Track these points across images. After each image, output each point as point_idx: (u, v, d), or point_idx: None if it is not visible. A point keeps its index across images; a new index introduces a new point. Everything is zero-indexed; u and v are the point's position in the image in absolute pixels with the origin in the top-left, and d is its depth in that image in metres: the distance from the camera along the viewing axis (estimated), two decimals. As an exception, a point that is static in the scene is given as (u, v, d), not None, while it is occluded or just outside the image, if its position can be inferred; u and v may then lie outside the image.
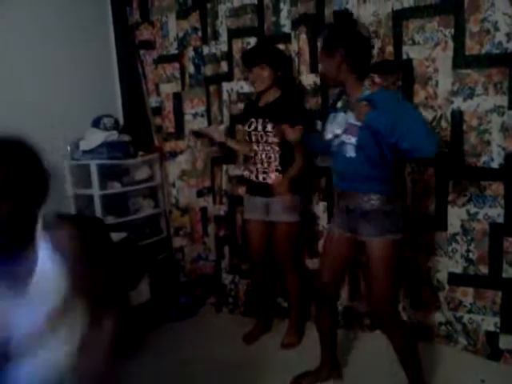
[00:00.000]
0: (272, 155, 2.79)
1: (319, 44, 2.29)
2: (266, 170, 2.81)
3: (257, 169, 2.85)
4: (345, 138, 2.12)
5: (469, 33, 2.45)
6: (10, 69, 3.07)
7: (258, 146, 2.82)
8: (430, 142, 1.94)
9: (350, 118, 2.11)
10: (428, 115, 2.62)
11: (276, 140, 2.71)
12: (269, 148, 2.78)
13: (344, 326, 3.04)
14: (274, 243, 2.92)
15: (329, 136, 2.24)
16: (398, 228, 2.12)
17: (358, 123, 2.05)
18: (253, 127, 2.83)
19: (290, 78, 2.96)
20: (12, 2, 3.07)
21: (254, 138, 2.83)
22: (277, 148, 2.76)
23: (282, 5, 3.00)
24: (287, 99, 2.79)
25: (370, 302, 2.20)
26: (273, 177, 2.79)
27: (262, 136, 2.79)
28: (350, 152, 2.12)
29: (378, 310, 2.18)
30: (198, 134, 2.99)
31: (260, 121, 2.79)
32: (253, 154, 2.86)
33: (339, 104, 2.27)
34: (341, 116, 2.19)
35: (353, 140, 2.08)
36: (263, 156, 2.81)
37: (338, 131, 2.17)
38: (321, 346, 2.54)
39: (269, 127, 2.75)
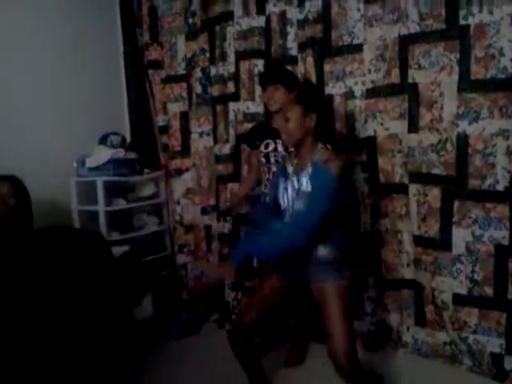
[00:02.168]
0: None
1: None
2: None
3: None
4: (299, 205, 2.11)
5: (474, 58, 2.50)
6: (20, 86, 3.13)
7: (276, 166, 2.80)
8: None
9: (303, 183, 2.12)
10: (433, 138, 2.67)
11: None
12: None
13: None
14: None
15: (284, 205, 2.22)
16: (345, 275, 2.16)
17: (309, 189, 2.08)
18: (271, 148, 2.81)
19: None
20: (21, 22, 3.14)
21: (272, 159, 2.82)
22: None
23: (289, 28, 3.06)
24: None
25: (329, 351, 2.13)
26: None
27: (276, 154, 2.80)
28: None
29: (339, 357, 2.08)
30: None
31: (279, 141, 2.75)
32: (269, 176, 2.83)
33: (289, 169, 2.24)
34: (292, 182, 2.18)
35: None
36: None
37: (290, 199, 2.18)
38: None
39: (279, 148, 2.76)
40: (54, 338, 2.44)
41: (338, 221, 2.13)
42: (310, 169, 2.10)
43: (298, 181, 2.14)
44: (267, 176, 2.85)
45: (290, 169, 2.23)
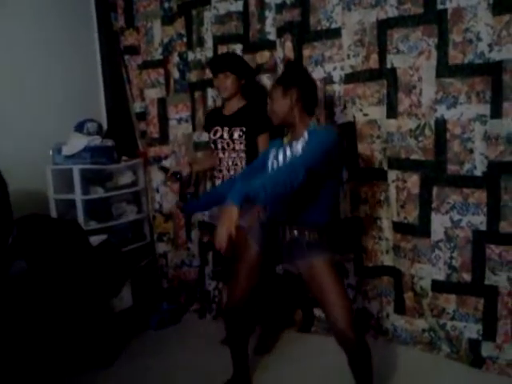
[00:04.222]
0: (238, 162, 2.83)
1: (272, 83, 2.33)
2: (233, 177, 2.81)
3: (223, 176, 2.88)
4: None
5: (452, 42, 2.48)
6: None
7: (223, 154, 2.86)
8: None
9: (297, 149, 2.14)
10: (412, 123, 2.65)
11: (243, 147, 2.78)
12: (235, 155, 2.83)
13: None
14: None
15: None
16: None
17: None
18: (218, 135, 2.87)
19: (255, 87, 3.03)
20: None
21: (219, 146, 2.87)
22: (243, 155, 2.81)
23: (267, 12, 3.02)
24: (253, 107, 2.83)
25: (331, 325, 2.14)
26: None
27: (228, 144, 2.83)
28: None
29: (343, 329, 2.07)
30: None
31: (226, 129, 2.84)
32: (218, 162, 2.90)
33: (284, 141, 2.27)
34: (284, 150, 2.21)
35: None
36: (229, 163, 2.85)
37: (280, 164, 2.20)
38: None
39: (235, 135, 2.80)
40: (30, 326, 2.41)
41: (322, 199, 2.13)
42: (305, 135, 2.13)
43: (291, 148, 2.17)
44: (217, 163, 2.91)
45: (284, 141, 2.27)
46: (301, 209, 2.14)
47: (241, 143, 2.80)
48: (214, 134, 2.88)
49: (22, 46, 3.27)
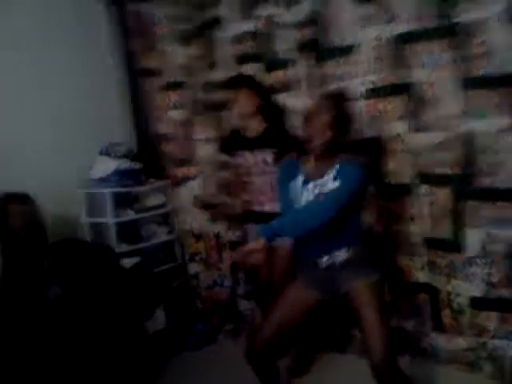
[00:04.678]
0: (269, 184, 2.77)
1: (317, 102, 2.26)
2: (264, 199, 2.80)
3: (255, 200, 2.86)
4: None
5: (473, 54, 2.39)
6: (20, 100, 3.16)
7: (255, 177, 2.84)
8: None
9: (328, 182, 2.12)
10: (439, 137, 2.57)
11: (274, 169, 2.69)
12: (267, 178, 2.78)
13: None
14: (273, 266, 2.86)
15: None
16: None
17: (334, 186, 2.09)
18: (248, 160, 2.84)
19: (275, 109, 2.99)
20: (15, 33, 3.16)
21: (251, 171, 2.84)
22: (274, 176, 2.73)
23: (282, 31, 2.99)
24: (276, 129, 2.80)
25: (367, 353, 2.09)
26: (271, 206, 2.75)
27: (259, 167, 2.81)
28: None
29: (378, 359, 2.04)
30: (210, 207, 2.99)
31: (255, 152, 2.80)
32: (246, 186, 2.88)
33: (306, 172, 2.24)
34: (314, 182, 2.17)
35: None
36: (261, 187, 2.82)
37: (312, 198, 2.16)
38: None
39: (268, 158, 2.76)
40: (66, 352, 2.43)
41: (354, 219, 2.14)
42: (337, 166, 2.12)
43: (322, 180, 2.14)
44: (247, 186, 2.89)
45: (304, 172, 2.22)
46: (332, 238, 2.12)
47: (272, 165, 2.74)
48: (240, 159, 2.86)
49: (53, 74, 3.34)
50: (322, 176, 2.14)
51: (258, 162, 2.79)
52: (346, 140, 2.19)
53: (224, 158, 3.28)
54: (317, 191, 2.13)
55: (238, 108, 2.81)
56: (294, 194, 2.23)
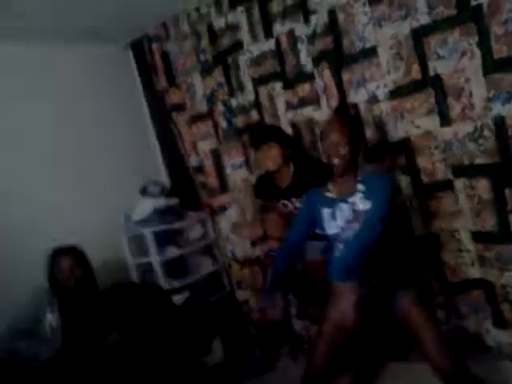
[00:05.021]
0: None
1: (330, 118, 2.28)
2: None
3: None
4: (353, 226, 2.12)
5: (494, 37, 2.33)
6: (54, 153, 3.33)
7: None
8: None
9: (356, 204, 2.12)
10: (469, 127, 2.50)
11: None
12: None
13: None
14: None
15: (334, 231, 2.21)
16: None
17: (367, 207, 2.07)
18: (290, 207, 2.85)
19: (301, 153, 3.00)
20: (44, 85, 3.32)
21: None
22: None
23: (299, 45, 2.99)
24: (304, 170, 2.76)
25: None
26: None
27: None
28: None
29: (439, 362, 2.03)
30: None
31: (289, 202, 2.84)
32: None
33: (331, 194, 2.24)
34: (340, 207, 2.17)
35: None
36: None
37: (342, 223, 2.16)
38: None
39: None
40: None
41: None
42: (360, 187, 2.11)
43: (348, 204, 2.14)
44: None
45: (330, 195, 2.22)
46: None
47: None
48: (285, 206, 2.87)
49: (82, 124, 3.49)
50: (350, 194, 2.14)
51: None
52: (362, 149, 2.21)
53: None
54: (347, 216, 2.14)
55: (266, 164, 2.80)
56: (324, 221, 2.23)
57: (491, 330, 2.75)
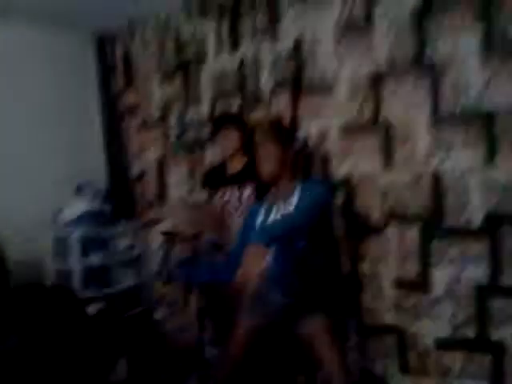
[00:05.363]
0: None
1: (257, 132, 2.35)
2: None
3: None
4: None
5: (443, 92, 2.50)
6: None
7: (235, 211, 2.84)
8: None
9: (292, 203, 2.15)
10: (408, 176, 2.63)
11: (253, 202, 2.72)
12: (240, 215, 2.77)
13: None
14: None
15: None
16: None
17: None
18: (227, 197, 2.86)
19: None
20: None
21: (230, 206, 2.85)
22: None
23: (262, 68, 3.08)
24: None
25: None
26: None
27: (239, 202, 2.82)
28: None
29: None
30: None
31: (235, 188, 2.84)
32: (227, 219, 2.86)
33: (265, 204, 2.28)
34: (277, 206, 2.20)
35: None
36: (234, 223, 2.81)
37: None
38: None
39: (245, 193, 2.80)
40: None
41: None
42: (296, 193, 2.14)
43: (285, 203, 2.17)
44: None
45: (266, 204, 2.26)
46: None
47: (251, 199, 2.76)
48: (222, 196, 2.88)
49: (20, 109, 3.38)
50: (285, 200, 2.17)
51: (234, 200, 2.82)
52: (292, 157, 2.26)
53: (199, 196, 3.31)
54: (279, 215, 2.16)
55: (222, 147, 2.88)
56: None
57: (395, 375, 2.81)
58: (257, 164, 2.22)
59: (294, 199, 2.13)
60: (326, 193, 2.12)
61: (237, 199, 2.81)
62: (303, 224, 2.01)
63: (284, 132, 2.29)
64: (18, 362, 2.45)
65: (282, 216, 2.14)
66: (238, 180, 2.82)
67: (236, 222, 2.78)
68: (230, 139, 2.83)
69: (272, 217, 2.19)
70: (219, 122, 2.89)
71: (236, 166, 2.87)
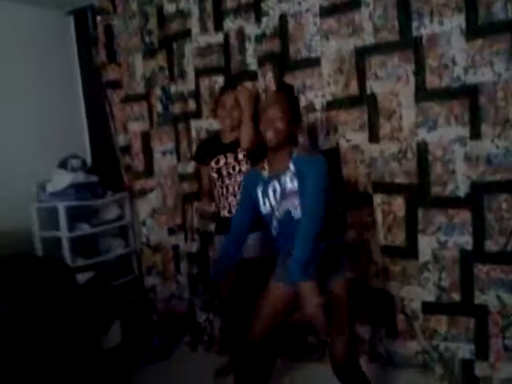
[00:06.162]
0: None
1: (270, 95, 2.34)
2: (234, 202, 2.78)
3: (229, 203, 2.82)
4: (288, 204, 2.13)
5: (428, 68, 2.54)
6: None
7: (229, 179, 2.81)
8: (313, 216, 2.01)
9: (286, 183, 2.13)
10: (394, 147, 2.70)
11: (248, 168, 2.70)
12: (240, 178, 2.72)
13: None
14: (246, 281, 2.87)
15: (268, 210, 2.22)
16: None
17: (294, 186, 2.09)
18: (222, 162, 2.82)
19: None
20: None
21: (225, 172, 2.82)
22: None
23: (247, 44, 3.06)
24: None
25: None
26: None
27: (234, 166, 2.79)
28: (298, 215, 2.10)
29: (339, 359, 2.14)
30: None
31: (230, 154, 2.80)
32: (223, 190, 2.84)
33: (265, 173, 2.25)
34: (273, 185, 2.18)
35: (296, 203, 2.09)
36: (236, 188, 2.79)
37: (274, 202, 2.18)
38: None
39: (240, 156, 2.78)
40: (21, 369, 2.37)
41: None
42: (291, 167, 2.12)
43: (280, 182, 2.14)
44: (221, 191, 2.86)
45: (264, 173, 2.23)
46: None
47: (246, 163, 2.76)
48: (217, 163, 2.84)
49: (2, 81, 3.29)
50: (282, 172, 2.15)
51: (231, 160, 2.80)
52: (298, 130, 2.26)
53: (190, 168, 3.32)
54: (278, 194, 2.16)
55: (231, 115, 2.79)
56: (258, 201, 2.25)
57: (383, 339, 2.94)
58: (263, 128, 2.17)
59: (288, 177, 2.12)
60: (324, 169, 2.07)
61: (233, 159, 2.79)
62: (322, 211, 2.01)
63: (295, 99, 2.27)
64: (12, 329, 2.48)
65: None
66: (236, 147, 2.80)
67: (237, 181, 2.78)
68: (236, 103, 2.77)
69: (271, 194, 2.18)
70: (231, 82, 2.89)
71: (234, 136, 2.81)
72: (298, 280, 1.93)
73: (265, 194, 2.21)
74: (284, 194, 2.13)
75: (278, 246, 2.29)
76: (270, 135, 2.14)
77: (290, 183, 2.11)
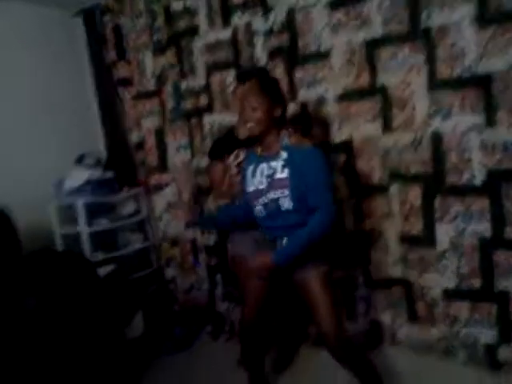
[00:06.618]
0: None
1: (244, 88, 2.17)
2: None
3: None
4: (277, 193, 2.11)
5: (439, 58, 2.52)
6: None
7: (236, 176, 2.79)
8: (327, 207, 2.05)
9: (277, 171, 2.11)
10: (408, 138, 2.69)
11: None
12: None
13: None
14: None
15: (251, 189, 2.22)
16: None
17: (285, 175, 2.08)
18: (243, 156, 2.74)
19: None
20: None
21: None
22: None
23: (255, 38, 3.04)
24: None
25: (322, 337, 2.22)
26: None
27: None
28: (287, 205, 2.10)
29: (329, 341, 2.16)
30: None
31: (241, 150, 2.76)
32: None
33: (258, 152, 2.24)
34: (262, 167, 2.17)
35: (286, 192, 2.09)
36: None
37: (262, 186, 2.16)
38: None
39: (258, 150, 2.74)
40: (46, 362, 2.43)
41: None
42: (282, 153, 2.10)
43: (269, 166, 2.13)
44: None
45: (258, 152, 2.23)
46: (300, 224, 2.12)
47: None
48: (237, 157, 2.78)
49: (18, 83, 3.34)
50: (274, 157, 2.13)
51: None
52: (282, 112, 2.17)
53: (204, 163, 3.31)
54: (266, 179, 2.14)
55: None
56: (246, 178, 2.26)
57: (404, 325, 2.97)
58: (238, 124, 2.18)
59: (279, 165, 2.10)
60: (321, 163, 2.06)
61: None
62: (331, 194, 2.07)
63: (269, 81, 2.19)
64: (38, 321, 2.53)
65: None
66: (248, 144, 2.78)
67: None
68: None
69: (258, 174, 2.18)
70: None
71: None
72: (277, 264, 2.06)
73: (253, 173, 2.21)
74: (273, 181, 2.11)
75: (260, 226, 2.31)
76: (246, 131, 2.13)
77: (281, 172, 2.09)
